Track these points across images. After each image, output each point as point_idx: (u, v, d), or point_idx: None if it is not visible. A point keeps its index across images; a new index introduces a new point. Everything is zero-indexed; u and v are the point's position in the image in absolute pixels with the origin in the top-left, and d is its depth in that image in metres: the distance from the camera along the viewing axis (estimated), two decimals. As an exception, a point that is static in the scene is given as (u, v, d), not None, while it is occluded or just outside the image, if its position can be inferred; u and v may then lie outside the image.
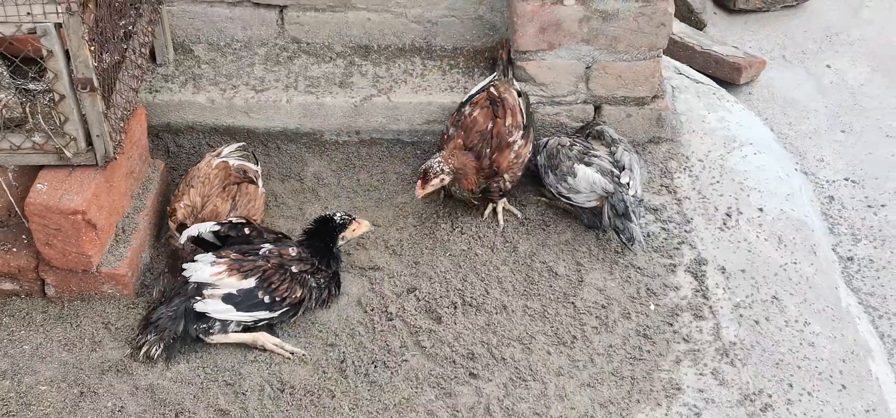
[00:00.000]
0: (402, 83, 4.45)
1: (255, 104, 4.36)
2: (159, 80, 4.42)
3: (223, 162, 4.08)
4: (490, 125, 4.10)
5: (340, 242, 3.90)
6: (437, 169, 3.96)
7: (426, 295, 3.89)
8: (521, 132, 4.13)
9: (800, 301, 3.94)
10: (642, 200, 4.13)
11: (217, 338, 3.66)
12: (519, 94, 4.21)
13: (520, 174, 4.16)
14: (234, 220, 3.82)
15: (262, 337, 3.70)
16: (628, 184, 4.04)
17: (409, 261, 4.03)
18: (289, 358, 3.66)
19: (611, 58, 4.31)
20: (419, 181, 3.97)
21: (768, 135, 4.83)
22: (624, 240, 4.02)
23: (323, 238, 3.88)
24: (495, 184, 4.11)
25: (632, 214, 3.99)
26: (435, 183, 3.96)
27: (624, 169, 4.08)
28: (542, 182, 4.23)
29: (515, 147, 4.10)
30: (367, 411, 3.52)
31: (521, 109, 4.17)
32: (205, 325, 3.65)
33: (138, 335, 3.68)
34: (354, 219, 3.92)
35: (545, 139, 4.28)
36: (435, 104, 4.38)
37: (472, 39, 4.61)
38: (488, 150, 4.08)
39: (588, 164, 4.07)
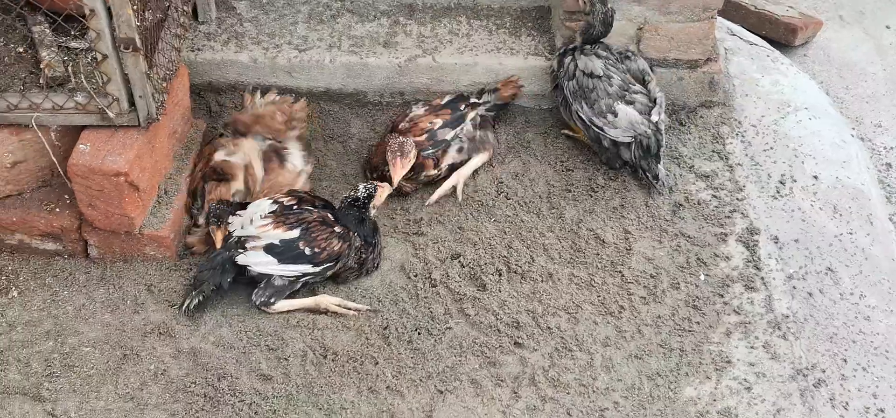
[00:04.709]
0: (447, 43, 4.36)
1: (298, 64, 4.29)
2: (201, 39, 4.37)
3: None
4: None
5: (372, 212, 3.81)
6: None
7: (470, 261, 3.82)
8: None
9: (855, 273, 3.83)
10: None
11: (279, 307, 3.64)
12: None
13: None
14: (286, 201, 3.78)
15: (325, 299, 3.67)
16: (658, 121, 4.00)
17: (453, 226, 3.96)
18: (354, 315, 3.65)
19: (663, 19, 4.18)
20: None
21: (824, 100, 4.67)
22: (650, 179, 4.02)
23: (355, 213, 3.80)
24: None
25: (659, 154, 4.00)
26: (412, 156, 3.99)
27: (655, 105, 4.06)
28: (567, 110, 4.13)
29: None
30: (411, 378, 3.47)
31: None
32: (262, 296, 3.62)
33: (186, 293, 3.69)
34: (376, 185, 3.82)
35: (568, 59, 4.11)
36: (481, 65, 4.28)
37: (519, -1, 4.50)
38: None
39: (629, 103, 4.03)
